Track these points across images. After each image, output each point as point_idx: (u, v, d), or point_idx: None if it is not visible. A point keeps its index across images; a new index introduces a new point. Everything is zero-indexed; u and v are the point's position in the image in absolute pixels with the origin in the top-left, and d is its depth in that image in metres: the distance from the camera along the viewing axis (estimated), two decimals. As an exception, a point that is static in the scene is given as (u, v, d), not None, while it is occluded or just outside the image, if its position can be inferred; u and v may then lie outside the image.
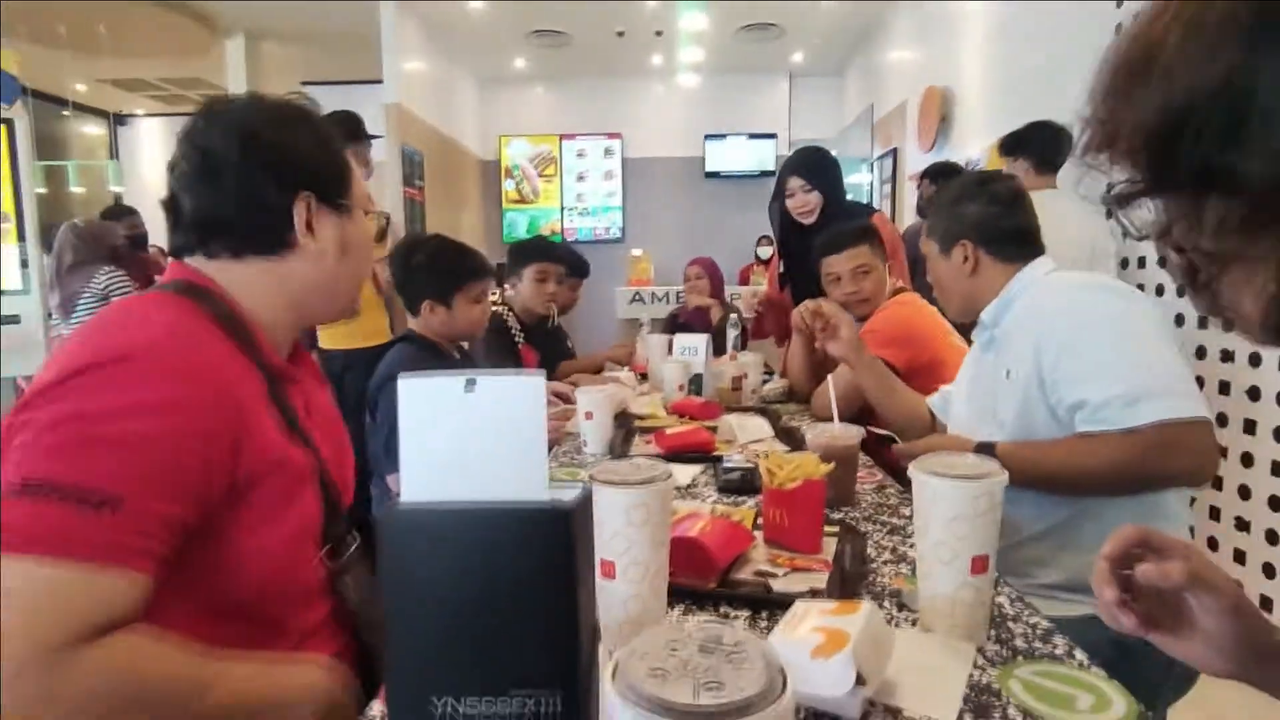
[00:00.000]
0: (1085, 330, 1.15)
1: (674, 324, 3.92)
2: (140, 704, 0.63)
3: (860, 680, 0.62)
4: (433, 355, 1.94)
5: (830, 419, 1.29)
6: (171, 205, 0.83)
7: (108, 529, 0.62)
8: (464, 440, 0.27)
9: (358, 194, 0.91)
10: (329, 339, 3.01)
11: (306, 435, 0.83)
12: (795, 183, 2.35)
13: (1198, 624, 0.60)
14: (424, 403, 0.27)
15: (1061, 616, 1.17)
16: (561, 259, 2.79)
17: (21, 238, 4.50)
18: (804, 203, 2.35)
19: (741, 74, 6.76)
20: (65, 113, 6.98)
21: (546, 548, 0.26)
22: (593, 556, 0.30)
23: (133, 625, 0.64)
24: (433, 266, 1.92)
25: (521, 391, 0.27)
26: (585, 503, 0.28)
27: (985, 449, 1.13)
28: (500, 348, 2.62)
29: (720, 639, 0.40)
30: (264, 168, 0.82)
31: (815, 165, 2.41)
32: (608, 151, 7.07)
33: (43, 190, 5.13)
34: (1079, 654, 0.75)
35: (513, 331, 2.71)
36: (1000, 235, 1.31)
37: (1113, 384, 1.08)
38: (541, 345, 2.74)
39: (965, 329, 1.56)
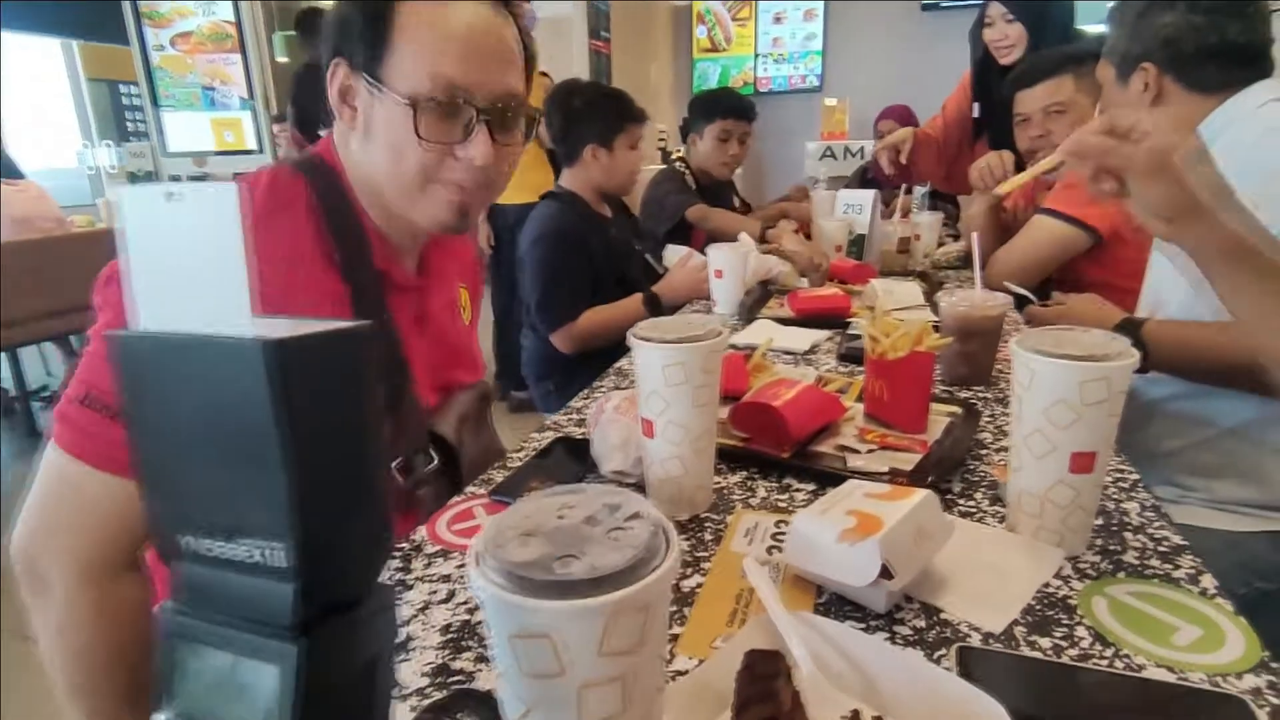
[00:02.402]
0: (1276, 187, 0.87)
1: (863, 181, 3.57)
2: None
3: (887, 573, 0.55)
4: (580, 211, 1.93)
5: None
6: None
7: None
8: (177, 259, 0.24)
9: (401, 72, 0.73)
10: (504, 194, 3.12)
11: (394, 350, 0.81)
12: (995, 9, 1.95)
13: None
14: (139, 216, 0.24)
15: (1232, 532, 0.98)
16: (746, 115, 2.57)
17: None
18: (1002, 36, 1.95)
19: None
20: None
21: (247, 386, 0.23)
22: (362, 402, 0.26)
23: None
24: (594, 110, 1.89)
25: (215, 202, 0.23)
26: (329, 340, 0.25)
27: (1129, 326, 0.92)
28: (673, 204, 2.54)
29: (618, 508, 0.36)
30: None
31: None
32: (809, -14, 6.35)
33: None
34: (1207, 580, 0.60)
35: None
36: (1198, 55, 0.98)
37: None
38: (714, 204, 2.62)
39: None
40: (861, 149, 5.60)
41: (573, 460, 0.86)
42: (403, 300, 0.84)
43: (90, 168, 5.90)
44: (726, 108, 2.52)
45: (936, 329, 0.95)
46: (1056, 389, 0.60)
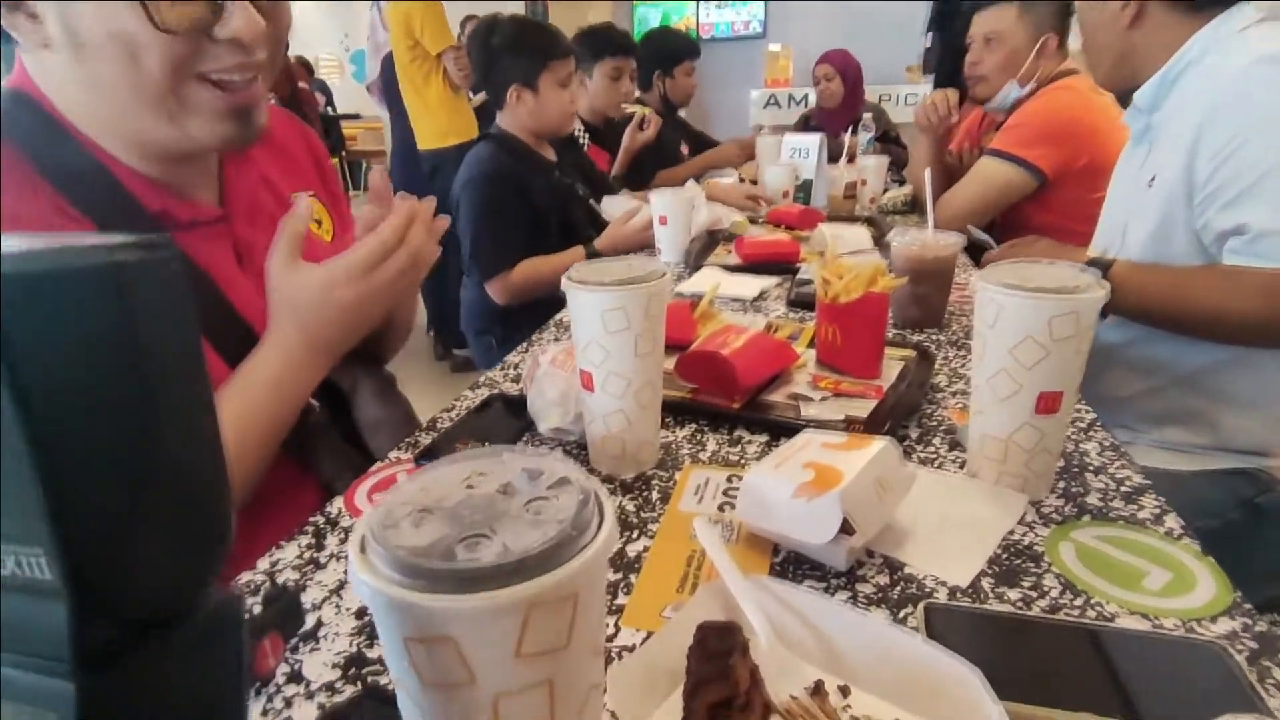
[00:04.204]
0: (1264, 124, 0.82)
1: (806, 128, 3.51)
2: None
3: (848, 529, 0.51)
4: (520, 154, 1.82)
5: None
6: None
7: None
8: None
9: None
10: (420, 140, 2.96)
11: (214, 301, 0.68)
12: None
13: None
14: None
15: (1181, 471, 0.97)
16: (632, 51, 2.40)
17: None
18: None
19: None
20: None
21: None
22: (147, 346, 0.19)
23: None
24: (515, 47, 1.76)
25: None
26: (80, 266, 0.17)
27: (1097, 265, 0.89)
28: (565, 149, 2.36)
29: (539, 474, 0.30)
30: None
31: None
32: (751, -75, 6.15)
33: None
34: (1172, 520, 0.58)
35: (575, 133, 2.42)
36: None
37: None
38: (613, 147, 2.46)
39: None
40: (805, 96, 5.52)
41: (509, 418, 0.80)
42: (206, 242, 0.70)
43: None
44: (614, 46, 2.31)
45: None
46: (1024, 325, 0.55)
